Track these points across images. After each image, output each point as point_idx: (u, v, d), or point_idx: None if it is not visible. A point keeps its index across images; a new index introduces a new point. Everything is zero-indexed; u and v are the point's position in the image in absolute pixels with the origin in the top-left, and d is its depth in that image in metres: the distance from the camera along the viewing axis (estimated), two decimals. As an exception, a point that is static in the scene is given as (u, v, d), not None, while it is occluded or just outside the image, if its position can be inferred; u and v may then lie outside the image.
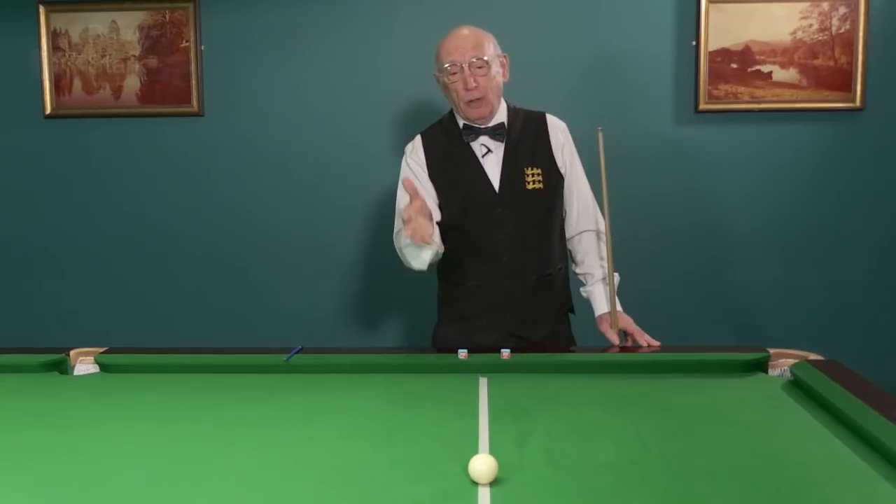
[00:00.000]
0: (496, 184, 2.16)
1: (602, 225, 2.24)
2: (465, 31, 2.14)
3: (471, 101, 2.10)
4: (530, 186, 2.15)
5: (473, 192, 2.16)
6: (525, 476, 1.25)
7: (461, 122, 2.19)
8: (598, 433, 1.44)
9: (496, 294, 2.18)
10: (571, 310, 2.33)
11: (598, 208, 2.27)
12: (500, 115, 2.19)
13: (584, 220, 2.26)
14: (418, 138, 2.25)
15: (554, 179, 2.19)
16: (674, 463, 1.30)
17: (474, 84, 2.08)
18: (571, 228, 2.28)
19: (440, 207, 2.17)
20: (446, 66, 2.11)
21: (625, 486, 1.21)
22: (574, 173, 2.24)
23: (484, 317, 2.19)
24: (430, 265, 2.09)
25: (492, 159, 2.17)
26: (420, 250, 2.01)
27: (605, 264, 2.20)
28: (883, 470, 1.25)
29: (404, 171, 2.22)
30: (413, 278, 2.90)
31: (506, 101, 2.23)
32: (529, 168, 2.16)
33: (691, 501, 1.16)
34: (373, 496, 1.19)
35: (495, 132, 2.16)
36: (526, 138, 2.19)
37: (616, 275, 2.23)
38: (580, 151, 2.33)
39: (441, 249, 2.10)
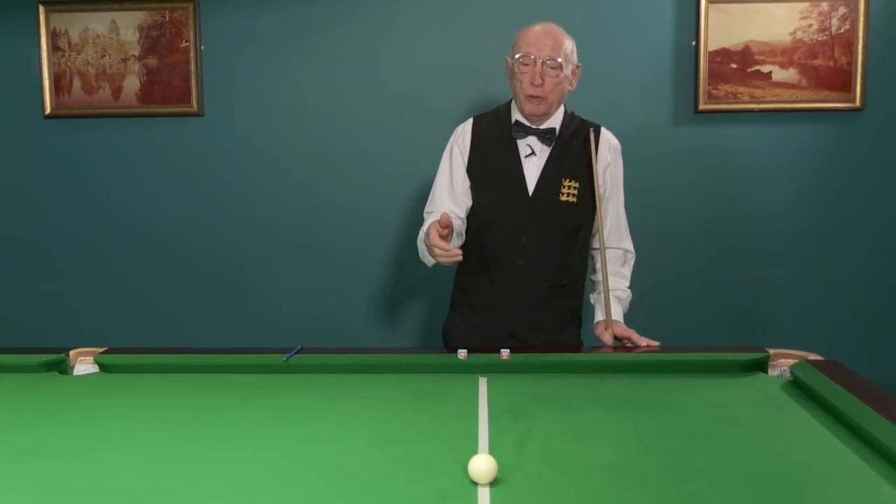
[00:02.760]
0: (531, 188, 2.15)
1: (631, 246, 2.27)
2: (550, 27, 2.14)
3: (532, 95, 2.10)
4: (563, 198, 2.14)
5: (506, 191, 2.15)
6: (525, 476, 1.25)
7: (514, 117, 2.19)
8: (598, 433, 1.44)
9: (506, 294, 2.18)
10: (580, 322, 2.33)
11: (629, 230, 2.27)
12: (555, 121, 2.18)
13: (614, 238, 2.25)
14: (470, 121, 2.25)
15: (588, 196, 2.16)
16: (673, 463, 1.30)
17: (541, 81, 2.08)
18: (599, 242, 2.24)
19: (472, 195, 2.19)
20: (521, 55, 2.10)
21: (624, 487, 1.21)
22: (615, 192, 2.24)
23: (490, 311, 2.20)
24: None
25: (533, 162, 2.16)
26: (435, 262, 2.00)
27: (628, 289, 2.22)
28: (883, 470, 1.25)
29: (447, 152, 2.23)
30: (411, 278, 2.91)
31: (565, 108, 2.22)
32: (567, 180, 2.15)
33: (691, 502, 1.16)
34: (373, 496, 1.19)
35: (544, 136, 2.16)
36: (573, 149, 2.17)
37: (628, 291, 2.25)
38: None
39: (459, 244, 2.09)
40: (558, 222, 2.16)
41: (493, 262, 2.19)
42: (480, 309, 2.23)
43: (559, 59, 2.08)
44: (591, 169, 2.14)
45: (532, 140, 2.16)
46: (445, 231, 1.88)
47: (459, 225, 2.14)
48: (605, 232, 2.20)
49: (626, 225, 2.29)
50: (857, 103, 2.98)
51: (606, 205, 2.21)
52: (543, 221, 2.15)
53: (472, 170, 2.19)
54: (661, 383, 1.77)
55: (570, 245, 2.20)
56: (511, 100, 2.24)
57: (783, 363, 1.83)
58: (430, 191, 2.27)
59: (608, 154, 2.21)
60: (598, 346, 2.12)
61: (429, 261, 2.05)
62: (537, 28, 2.13)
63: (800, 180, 3.06)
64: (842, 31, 2.96)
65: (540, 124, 2.16)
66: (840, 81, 2.98)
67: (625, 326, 2.13)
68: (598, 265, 2.27)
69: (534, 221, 2.15)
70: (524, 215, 2.15)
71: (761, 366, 1.85)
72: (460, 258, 1.91)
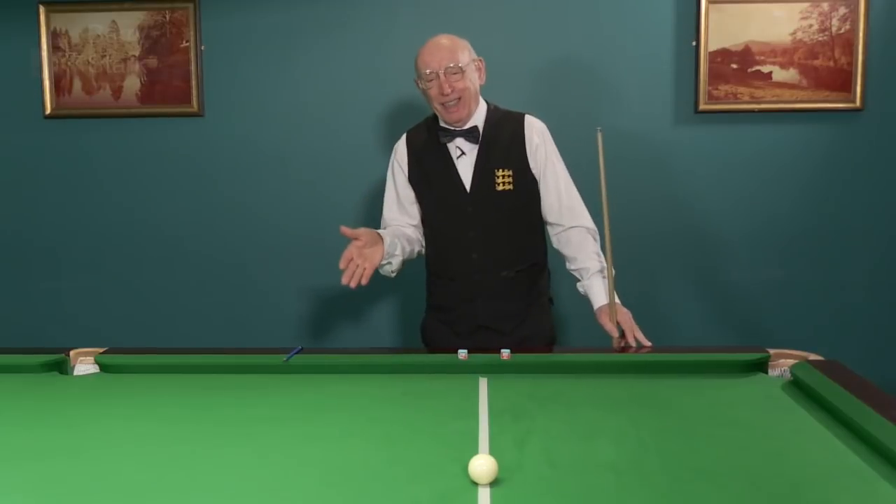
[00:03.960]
0: (467, 184, 2.25)
1: (591, 223, 2.28)
2: (440, 39, 2.24)
3: (446, 104, 2.20)
4: (500, 188, 2.23)
5: (446, 192, 2.27)
6: (525, 476, 1.25)
7: (441, 123, 2.29)
8: (598, 433, 1.44)
9: (467, 287, 2.28)
10: (550, 301, 2.38)
11: (585, 207, 2.29)
12: (477, 118, 2.27)
13: (569, 217, 2.27)
14: (404, 137, 2.38)
15: (525, 181, 2.26)
16: (673, 463, 1.30)
17: (449, 89, 2.18)
18: (554, 225, 2.30)
19: (419, 203, 2.33)
20: (423, 73, 2.21)
21: (624, 487, 1.21)
22: (552, 173, 2.27)
23: (457, 308, 2.30)
24: (395, 273, 2.27)
25: (465, 161, 2.26)
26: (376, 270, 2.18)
27: (602, 259, 2.22)
28: (883, 470, 1.25)
29: (389, 169, 2.39)
30: (412, 278, 2.90)
31: (486, 103, 2.30)
32: (500, 170, 2.23)
33: (691, 502, 1.16)
34: (373, 496, 1.19)
35: (469, 134, 2.25)
36: (500, 140, 2.26)
37: (611, 268, 2.23)
38: (579, 151, 2.33)
39: (414, 251, 2.31)
40: (500, 211, 2.24)
41: (450, 262, 2.30)
42: (448, 307, 2.33)
43: (459, 64, 2.18)
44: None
45: (459, 141, 2.26)
46: (359, 243, 2.13)
47: (413, 232, 2.33)
48: (557, 211, 2.27)
49: (580, 201, 2.30)
50: (858, 103, 2.98)
51: (546, 184, 2.27)
52: (486, 213, 2.24)
53: (413, 179, 2.32)
54: (661, 383, 1.77)
55: (519, 231, 2.28)
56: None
57: (783, 363, 1.83)
58: None
59: (536, 137, 2.27)
60: (598, 346, 2.12)
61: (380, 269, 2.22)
62: (429, 45, 2.24)
63: (800, 180, 3.06)
64: (842, 31, 2.97)
65: (463, 125, 2.25)
66: (840, 82, 2.98)
67: (628, 315, 2.13)
68: (570, 252, 2.28)
69: (477, 215, 2.24)
70: (467, 211, 2.24)
71: (761, 366, 1.85)
72: (368, 265, 2.13)
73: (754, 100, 3.01)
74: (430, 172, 2.29)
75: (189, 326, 3.23)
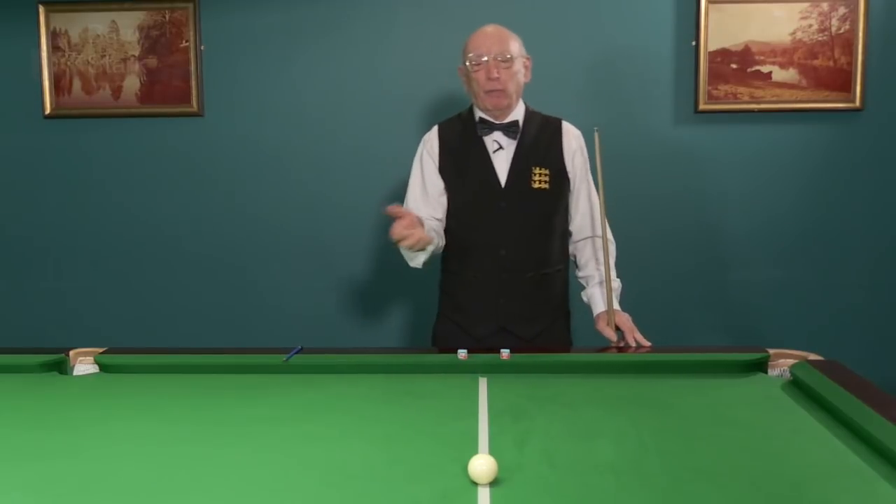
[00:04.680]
0: (503, 179, 2.20)
1: (610, 235, 2.28)
2: (493, 28, 2.21)
3: (491, 90, 2.16)
4: (536, 185, 2.19)
5: (479, 185, 2.21)
6: (525, 476, 1.25)
7: (478, 116, 2.24)
8: (598, 433, 1.44)
9: (492, 286, 2.22)
10: (569, 314, 2.35)
11: (605, 218, 2.29)
12: (517, 114, 2.24)
13: (589, 227, 2.29)
14: (435, 128, 2.31)
15: (560, 182, 2.23)
16: (673, 463, 1.30)
17: (496, 75, 2.14)
18: (576, 234, 2.32)
19: (447, 197, 2.24)
20: (471, 55, 2.17)
21: (624, 487, 1.21)
22: (583, 180, 2.28)
23: (479, 308, 2.24)
24: (426, 263, 2.16)
25: (502, 155, 2.22)
26: (415, 253, 2.07)
27: (613, 271, 2.23)
28: (882, 470, 1.25)
29: (416, 160, 2.30)
30: (412, 278, 2.90)
31: (524, 103, 2.28)
32: (538, 168, 2.20)
33: (691, 502, 1.16)
34: (373, 496, 1.19)
35: (509, 129, 2.21)
36: (538, 139, 2.23)
37: (618, 281, 2.25)
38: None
39: (440, 244, 2.18)
40: (533, 209, 2.21)
41: (476, 257, 2.24)
42: (468, 308, 2.26)
43: (508, 55, 2.16)
44: (563, 160, 2.22)
45: (497, 135, 2.22)
46: (407, 219, 1.95)
47: (438, 226, 2.22)
48: (581, 221, 2.28)
49: (603, 212, 2.30)
50: (857, 103, 2.99)
51: (578, 191, 2.27)
52: (519, 210, 2.20)
53: (445, 171, 2.25)
54: (661, 383, 1.77)
55: (548, 232, 2.25)
56: (471, 105, 2.30)
57: (783, 363, 1.83)
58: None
59: (573, 142, 2.27)
60: (598, 346, 2.12)
61: (411, 259, 2.13)
62: (483, 31, 2.21)
63: (800, 180, 3.06)
64: (842, 31, 2.97)
65: (503, 119, 2.22)
66: (840, 81, 2.98)
67: (627, 318, 2.14)
68: (583, 260, 2.31)
69: (510, 211, 2.20)
70: (500, 206, 2.20)
71: (761, 366, 1.85)
72: (424, 237, 1.97)
73: (754, 100, 3.01)
74: (464, 164, 2.22)
75: (189, 326, 3.23)
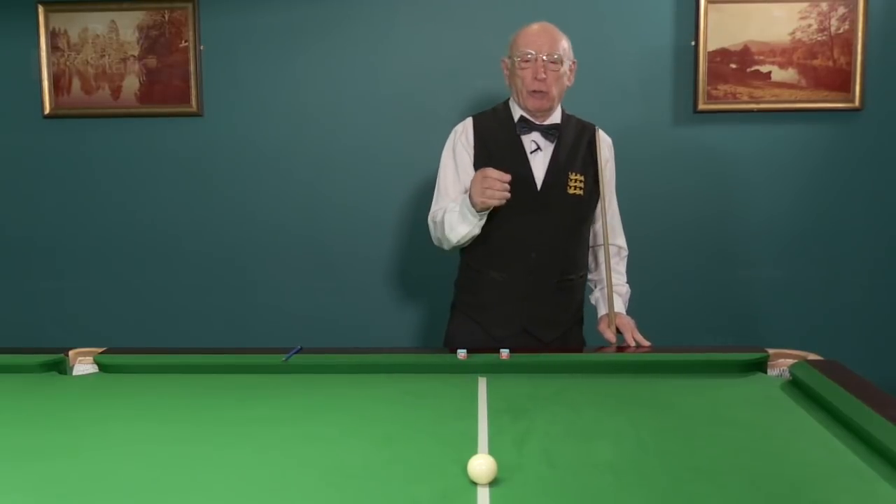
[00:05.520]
0: (539, 182, 2.17)
1: (624, 243, 2.31)
2: (547, 26, 2.19)
3: (535, 91, 2.13)
4: (571, 191, 2.18)
5: (516, 187, 2.13)
6: (524, 476, 1.25)
7: (517, 115, 2.21)
8: (597, 433, 1.44)
9: (517, 288, 2.19)
10: (581, 319, 2.34)
11: (622, 227, 2.32)
12: (556, 117, 2.22)
13: (611, 235, 2.27)
14: (469, 120, 2.26)
15: (593, 190, 2.21)
16: (673, 463, 1.30)
17: (544, 76, 2.11)
18: (593, 239, 2.32)
19: None
20: (521, 53, 2.14)
21: (624, 487, 1.21)
22: (610, 189, 2.29)
23: (501, 309, 2.20)
24: (459, 244, 2.15)
25: (539, 157, 2.19)
26: (476, 219, 2.06)
27: (625, 280, 2.26)
28: (882, 470, 1.26)
29: (448, 150, 2.24)
30: (412, 278, 2.90)
31: (562, 106, 2.26)
32: (574, 173, 2.18)
33: (690, 501, 1.16)
34: (372, 496, 1.19)
35: (548, 131, 2.19)
36: (576, 145, 2.22)
37: (627, 286, 2.28)
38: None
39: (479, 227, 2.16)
40: (567, 215, 2.19)
41: (505, 258, 2.19)
42: (490, 307, 2.22)
43: (558, 55, 2.13)
44: (596, 167, 2.20)
45: (536, 136, 2.19)
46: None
47: None
48: (600, 228, 2.25)
49: (620, 220, 2.34)
50: (857, 103, 2.99)
51: (605, 202, 2.24)
52: (553, 214, 2.17)
53: (479, 166, 2.17)
54: (661, 383, 1.78)
55: (578, 238, 2.24)
56: (507, 99, 2.26)
57: (782, 363, 1.83)
58: (431, 191, 2.27)
59: (606, 150, 2.27)
60: (598, 346, 2.13)
61: (456, 224, 2.10)
62: (535, 27, 2.18)
63: (799, 180, 3.07)
64: (841, 31, 2.97)
65: (543, 120, 2.19)
66: (839, 81, 2.99)
67: (627, 318, 2.15)
68: (594, 264, 2.33)
69: (544, 215, 2.17)
70: (534, 209, 2.16)
71: (760, 366, 1.85)
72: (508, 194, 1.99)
73: (753, 100, 3.01)
74: (500, 161, 2.12)
75: (188, 326, 3.23)
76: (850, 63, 2.97)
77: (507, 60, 2.20)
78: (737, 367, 1.85)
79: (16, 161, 3.23)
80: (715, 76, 3.00)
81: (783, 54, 2.99)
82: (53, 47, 3.14)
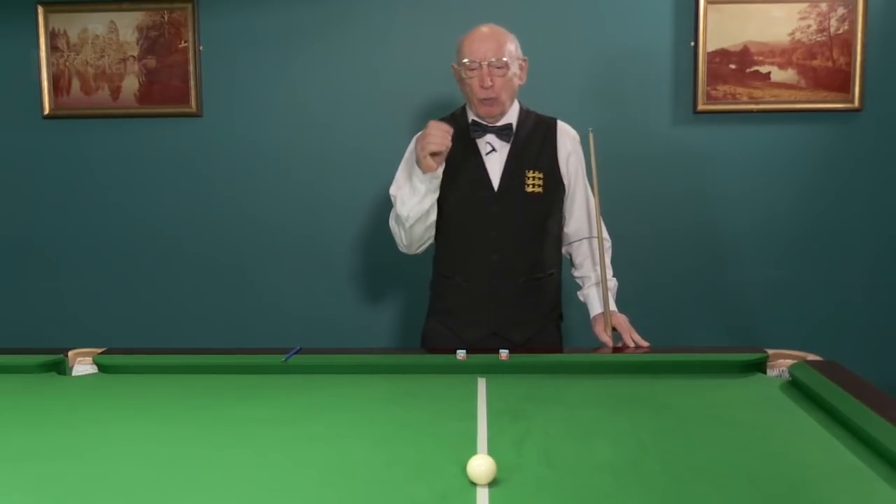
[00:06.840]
0: (495, 182, 2.17)
1: (607, 235, 2.26)
2: (489, 29, 2.15)
3: (484, 99, 2.12)
4: (529, 189, 2.16)
5: (472, 188, 2.17)
6: (523, 476, 1.25)
7: (471, 118, 2.21)
8: (597, 434, 1.44)
9: (482, 291, 2.19)
10: (560, 317, 2.33)
11: (601, 219, 2.27)
12: (510, 116, 2.20)
13: (586, 228, 2.27)
14: (429, 125, 2.24)
15: (555, 185, 2.19)
16: (672, 463, 1.30)
17: (490, 83, 2.10)
18: (571, 235, 2.30)
19: (438, 199, 2.18)
20: (465, 61, 2.12)
21: (623, 487, 1.21)
22: (578, 181, 2.26)
23: (469, 313, 2.20)
24: (420, 246, 2.17)
25: (495, 158, 2.18)
26: (424, 184, 2.05)
27: (610, 272, 2.22)
28: (881, 470, 1.26)
29: (406, 156, 2.24)
30: (412, 278, 2.90)
31: (519, 103, 2.24)
32: (531, 171, 2.17)
33: (689, 502, 1.16)
34: (372, 496, 1.19)
35: (502, 132, 2.18)
36: (533, 141, 2.20)
37: (614, 280, 2.24)
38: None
39: (431, 234, 2.18)
40: (527, 214, 2.18)
41: (467, 262, 2.20)
42: (458, 312, 2.23)
43: (504, 59, 2.10)
44: (589, 167, 2.19)
45: (491, 137, 2.18)
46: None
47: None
48: (577, 224, 2.26)
49: (599, 212, 2.27)
50: (856, 104, 2.99)
51: (574, 193, 2.25)
52: (512, 214, 2.16)
53: None
54: (660, 383, 1.78)
55: (541, 236, 2.21)
56: (464, 105, 2.26)
57: (782, 363, 1.83)
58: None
59: (568, 143, 2.23)
60: (598, 346, 2.13)
61: (409, 206, 2.09)
62: (477, 33, 2.15)
63: (798, 181, 3.07)
64: (840, 31, 2.97)
65: (496, 122, 2.19)
66: (839, 82, 2.99)
67: (624, 319, 2.14)
68: (578, 260, 2.30)
69: (503, 215, 2.16)
70: (493, 210, 2.16)
71: (760, 366, 1.85)
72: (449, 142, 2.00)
73: (753, 100, 3.01)
74: (457, 166, 2.14)
75: (188, 326, 3.23)
76: (850, 63, 2.97)
77: (455, 66, 2.19)
78: (736, 368, 1.85)
79: (15, 161, 3.23)
80: (714, 77, 3.00)
81: (783, 55, 2.99)
82: (53, 48, 3.14)
